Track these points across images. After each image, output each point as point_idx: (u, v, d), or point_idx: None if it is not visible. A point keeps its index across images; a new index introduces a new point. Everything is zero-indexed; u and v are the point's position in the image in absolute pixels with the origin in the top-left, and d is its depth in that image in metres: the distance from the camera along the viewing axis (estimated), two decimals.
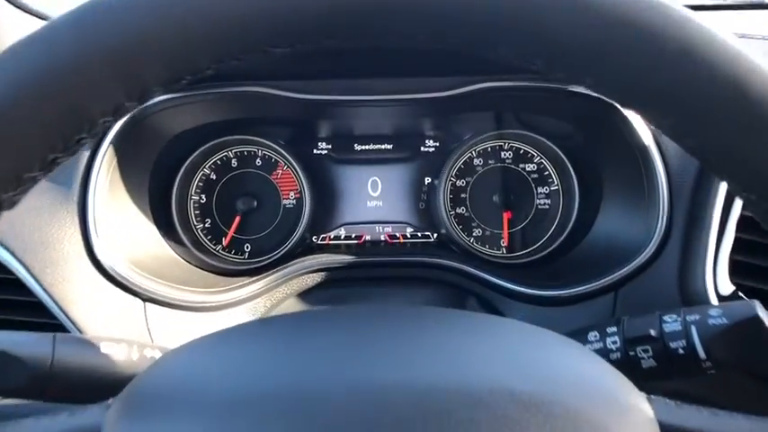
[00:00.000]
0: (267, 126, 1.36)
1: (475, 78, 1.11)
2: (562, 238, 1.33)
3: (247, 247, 1.38)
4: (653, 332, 0.82)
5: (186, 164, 1.35)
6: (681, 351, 0.81)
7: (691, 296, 1.02)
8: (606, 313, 1.07)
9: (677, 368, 0.81)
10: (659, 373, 0.82)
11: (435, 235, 1.41)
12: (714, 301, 1.00)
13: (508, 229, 1.38)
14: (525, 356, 0.53)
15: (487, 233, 1.40)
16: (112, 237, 1.07)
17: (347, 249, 1.39)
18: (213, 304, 1.11)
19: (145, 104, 1.06)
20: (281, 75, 1.14)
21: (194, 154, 1.35)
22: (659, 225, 1.05)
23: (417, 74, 1.15)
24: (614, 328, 0.87)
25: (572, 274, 1.14)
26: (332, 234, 1.41)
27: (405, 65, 1.14)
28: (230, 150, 1.39)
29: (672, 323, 0.83)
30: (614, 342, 0.86)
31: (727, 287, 1.02)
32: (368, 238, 1.41)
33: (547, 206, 1.39)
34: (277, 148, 1.36)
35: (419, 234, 1.41)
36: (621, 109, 1.07)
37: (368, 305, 0.70)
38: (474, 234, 1.39)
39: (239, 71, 1.12)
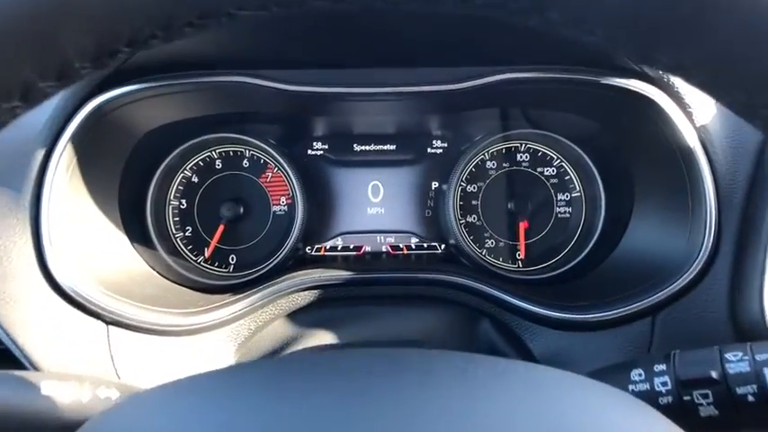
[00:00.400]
0: (255, 123, 1.22)
1: (492, 69, 0.97)
2: (586, 251, 1.19)
3: (232, 259, 1.24)
4: (714, 374, 0.68)
5: (163, 165, 1.20)
6: (750, 398, 0.66)
7: (745, 325, 0.88)
8: (642, 341, 0.93)
9: (745, 418, 0.67)
10: (721, 422, 0.68)
11: (443, 246, 1.26)
12: None
13: (525, 241, 1.23)
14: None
15: (501, 245, 1.25)
16: (71, 249, 0.93)
17: (345, 262, 1.25)
18: (189, 327, 0.96)
19: (109, 95, 0.92)
20: (269, 63, 0.99)
21: (172, 154, 1.20)
22: (705, 240, 0.90)
23: (426, 63, 1.01)
24: (663, 366, 0.73)
25: (600, 294, 0.99)
26: (328, 244, 1.26)
27: (412, 53, 0.99)
28: (214, 150, 1.24)
29: (737, 363, 0.68)
30: (664, 383, 0.71)
31: None
32: (368, 249, 1.26)
33: (568, 215, 1.25)
34: (266, 147, 1.21)
35: (425, 245, 1.26)
36: (660, 104, 0.92)
37: (370, 350, 0.56)
38: (486, 245, 1.25)
39: (220, 58, 0.98)
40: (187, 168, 1.24)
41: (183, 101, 1.03)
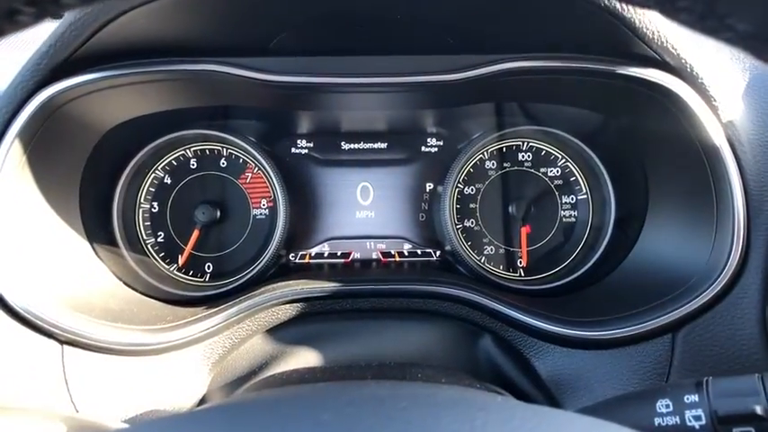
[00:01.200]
0: (234, 119, 1.11)
1: (495, 58, 0.87)
2: (594, 259, 1.09)
3: (209, 268, 1.13)
4: (759, 409, 0.59)
5: (132, 164, 1.09)
6: None
7: None
8: (661, 362, 0.83)
9: None
10: None
11: (438, 253, 1.16)
12: None
13: (527, 247, 1.14)
14: None
15: (501, 251, 1.15)
16: (20, 258, 0.82)
17: (332, 271, 1.14)
18: (156, 346, 0.85)
19: (62, 85, 0.81)
20: (246, 50, 0.89)
21: (142, 152, 1.10)
22: (733, 248, 0.81)
23: (422, 51, 0.90)
24: (695, 397, 0.63)
25: (612, 308, 0.89)
26: (313, 251, 1.16)
27: (406, 39, 0.89)
28: (188, 148, 1.14)
29: None
30: (697, 417, 0.62)
31: None
32: (357, 255, 1.16)
33: (573, 219, 1.15)
34: (245, 146, 1.11)
35: (419, 252, 1.16)
36: (682, 96, 0.83)
37: (371, 387, 0.47)
38: (485, 252, 1.15)
39: (191, 44, 0.87)
40: (159, 168, 1.13)
41: (149, 92, 0.92)
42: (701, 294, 0.81)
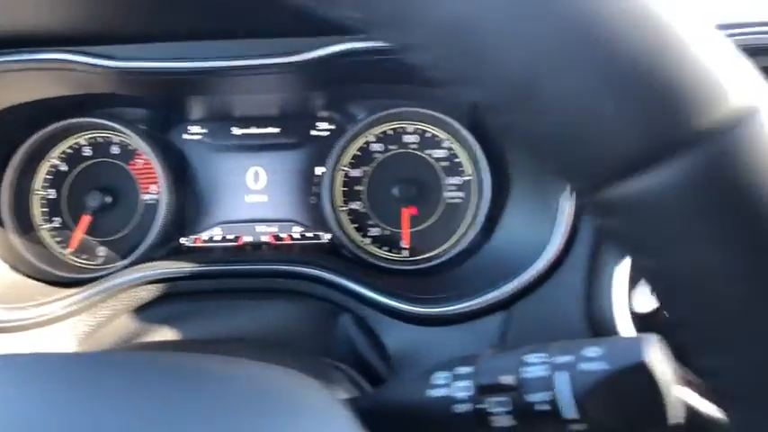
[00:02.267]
0: (123, 107, 1.14)
1: (327, 40, 0.88)
2: (470, 239, 1.10)
3: (101, 252, 1.17)
4: (509, 379, 0.59)
5: (23, 151, 1.13)
6: (545, 407, 0.58)
7: (599, 316, 0.79)
8: (495, 337, 0.84)
9: (540, 430, 0.58)
10: None
11: (329, 236, 1.18)
12: (625, 322, 0.77)
13: (410, 228, 1.15)
14: None
15: (387, 233, 1.17)
16: None
17: (223, 253, 1.17)
18: (15, 323, 0.89)
19: None
20: (105, 38, 0.91)
21: (31, 139, 1.13)
22: (563, 225, 0.81)
23: (278, 34, 0.92)
24: (469, 368, 0.64)
25: (466, 286, 0.91)
26: (204, 235, 1.19)
27: (259, 22, 0.91)
28: (82, 136, 1.17)
29: (535, 367, 0.60)
30: (465, 388, 0.62)
31: (646, 303, 0.79)
32: (246, 239, 1.19)
33: (458, 200, 1.16)
34: (132, 133, 1.14)
35: (309, 235, 1.18)
36: None
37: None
38: (370, 234, 1.17)
39: (49, 33, 0.90)
40: (54, 156, 1.17)
41: (13, 82, 0.96)
42: (527, 271, 0.82)
